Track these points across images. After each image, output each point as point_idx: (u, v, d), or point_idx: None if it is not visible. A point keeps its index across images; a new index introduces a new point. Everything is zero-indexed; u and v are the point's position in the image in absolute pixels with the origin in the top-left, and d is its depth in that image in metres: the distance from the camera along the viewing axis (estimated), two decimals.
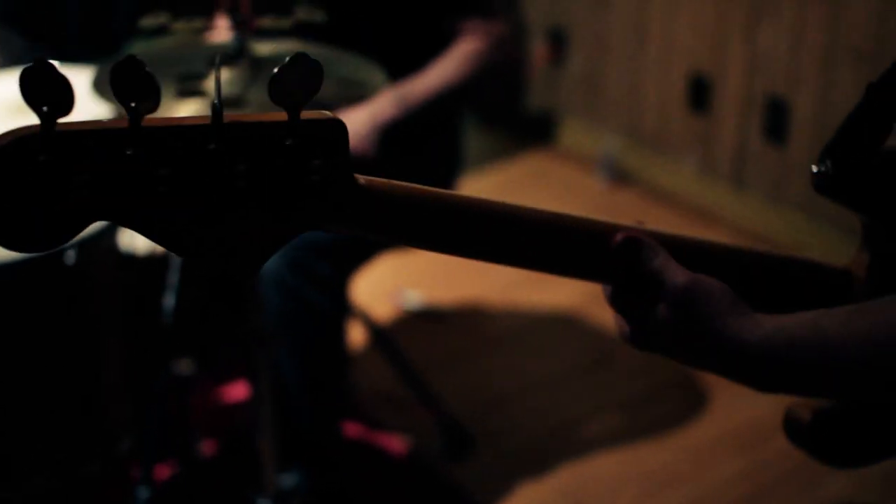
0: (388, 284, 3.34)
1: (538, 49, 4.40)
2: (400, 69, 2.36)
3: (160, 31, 1.75)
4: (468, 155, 4.33)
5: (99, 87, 1.80)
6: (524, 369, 3.04)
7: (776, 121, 3.58)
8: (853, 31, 3.28)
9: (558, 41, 4.32)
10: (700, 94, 3.81)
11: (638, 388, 2.95)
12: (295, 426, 2.37)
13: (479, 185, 4.18)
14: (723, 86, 3.73)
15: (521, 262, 1.00)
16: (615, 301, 1.00)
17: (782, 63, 3.51)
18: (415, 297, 3.31)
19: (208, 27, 1.76)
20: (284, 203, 0.83)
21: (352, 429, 2.70)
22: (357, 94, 1.82)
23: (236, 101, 1.72)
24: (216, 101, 0.79)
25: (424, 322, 3.25)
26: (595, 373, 3.01)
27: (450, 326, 3.24)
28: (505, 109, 4.61)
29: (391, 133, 2.36)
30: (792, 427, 1.08)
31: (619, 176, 4.08)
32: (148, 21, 1.77)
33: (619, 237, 0.97)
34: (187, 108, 1.72)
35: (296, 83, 0.79)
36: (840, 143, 1.05)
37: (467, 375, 3.01)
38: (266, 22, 1.79)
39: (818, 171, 1.05)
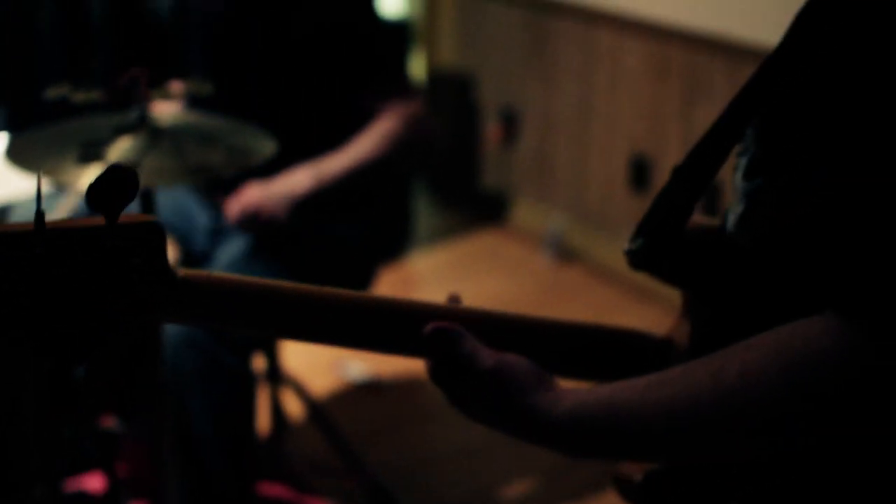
0: (331, 355, 3.42)
1: (491, 129, 4.52)
2: (310, 141, 2.47)
3: (62, 102, 1.86)
4: (422, 232, 4.45)
5: (13, 155, 1.90)
6: (455, 437, 3.11)
7: (711, 200, 3.68)
8: None
9: (510, 122, 4.44)
10: (641, 173, 3.93)
11: (561, 455, 3.01)
12: (210, 487, 2.43)
13: (429, 262, 4.29)
14: (663, 165, 3.84)
15: (347, 343, 1.07)
16: (434, 377, 1.07)
17: None
18: (357, 369, 3.39)
19: (107, 98, 1.86)
20: (106, 300, 0.90)
21: (278, 491, 2.76)
22: (245, 163, 1.91)
23: (132, 167, 1.81)
24: (39, 209, 0.86)
25: (365, 392, 3.33)
26: (520, 441, 3.07)
27: (389, 396, 3.32)
28: (459, 188, 4.72)
29: (309, 204, 2.47)
30: (623, 487, 1.14)
31: (565, 254, 4.17)
32: (52, 92, 1.89)
33: (429, 327, 1.04)
34: (88, 174, 1.82)
35: (112, 191, 0.87)
36: (650, 222, 1.11)
37: (400, 442, 3.08)
38: (160, 95, 1.90)
39: (630, 249, 1.11)
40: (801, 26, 1.00)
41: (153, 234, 0.91)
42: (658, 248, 1.11)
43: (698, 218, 1.13)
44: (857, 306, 0.84)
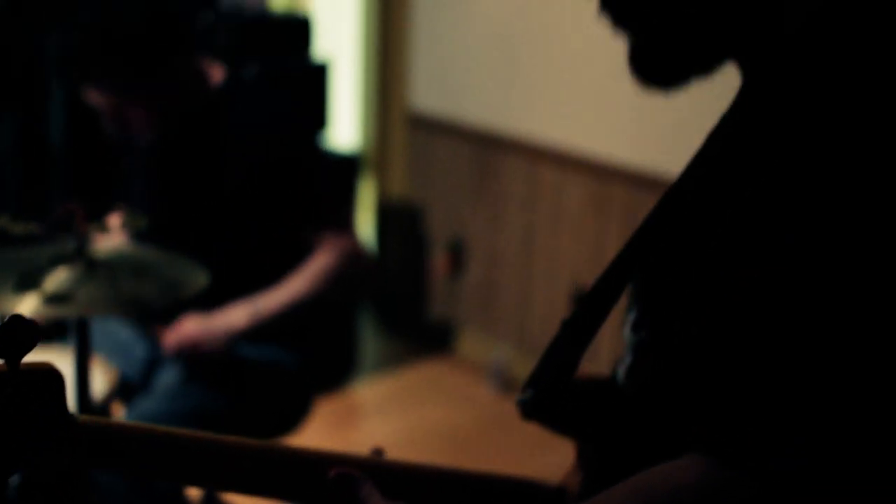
0: None
1: (438, 260, 4.60)
2: (248, 273, 2.53)
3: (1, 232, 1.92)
4: (368, 360, 4.49)
5: None
6: None
7: None
8: None
9: (458, 253, 4.52)
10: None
11: None
12: None
13: (373, 391, 4.32)
14: None
15: (254, 492, 1.09)
16: None
17: None
18: None
19: (45, 230, 1.92)
20: (6, 443, 0.93)
21: None
22: (177, 296, 1.97)
23: (66, 298, 1.87)
24: None
25: None
26: None
27: None
28: (407, 317, 4.78)
29: (248, 337, 2.52)
30: None
31: (509, 384, 4.22)
32: None
33: (332, 472, 1.08)
34: (24, 303, 1.87)
35: (13, 339, 0.91)
36: (540, 374, 1.15)
37: None
38: (96, 231, 1.96)
39: (522, 399, 1.16)
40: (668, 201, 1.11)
41: (52, 381, 0.95)
42: (548, 399, 1.15)
43: (587, 370, 1.18)
44: (718, 444, 0.88)
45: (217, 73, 2.59)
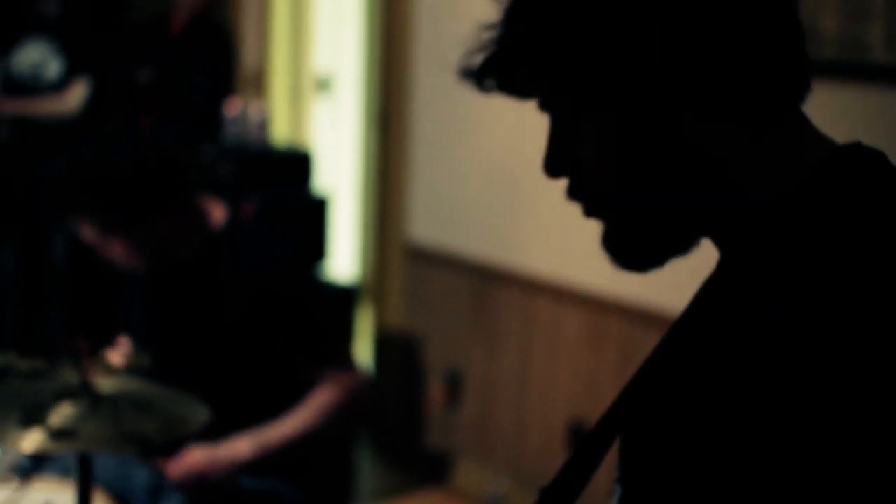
0: None
1: (435, 391, 4.62)
2: (251, 409, 2.56)
3: (4, 370, 1.96)
4: (365, 490, 4.48)
5: None
6: None
7: None
8: None
9: (454, 384, 4.54)
10: (579, 438, 4.01)
11: None
12: None
13: None
14: None
15: None
16: None
17: None
18: None
19: (50, 367, 1.96)
20: None
21: None
22: (179, 432, 2.00)
23: (70, 434, 1.90)
24: None
25: None
26: None
27: None
28: (404, 447, 4.78)
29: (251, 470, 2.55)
30: None
31: None
32: None
33: None
34: (29, 438, 1.90)
35: None
36: None
37: None
38: (99, 368, 2.00)
39: None
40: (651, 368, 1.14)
41: None
42: None
43: None
44: None
45: (218, 213, 2.65)
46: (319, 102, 5.86)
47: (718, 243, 1.11)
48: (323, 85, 5.91)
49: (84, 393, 1.99)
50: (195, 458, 2.51)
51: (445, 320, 4.60)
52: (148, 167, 2.48)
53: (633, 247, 1.11)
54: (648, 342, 3.87)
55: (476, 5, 4.22)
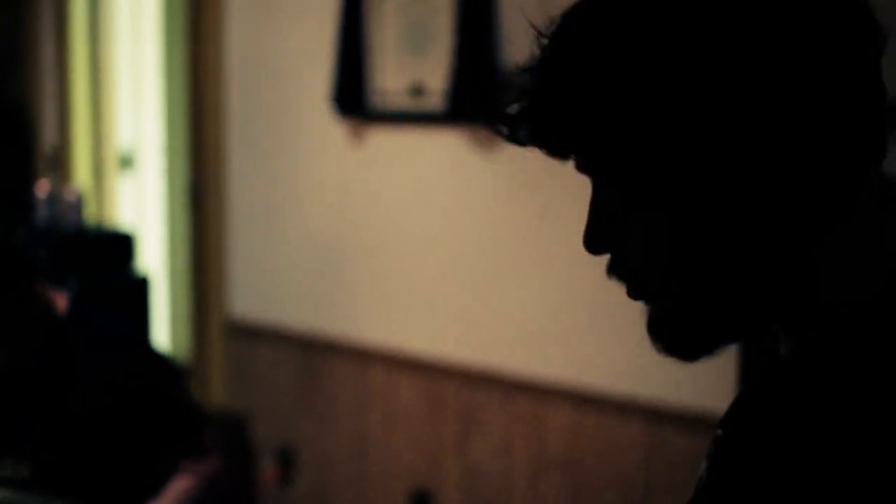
0: None
1: (267, 470, 4.48)
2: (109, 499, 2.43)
3: None
4: None
5: None
6: None
7: None
8: (554, 445, 3.52)
9: (287, 462, 4.42)
10: None
11: None
12: None
13: None
14: (443, 499, 3.88)
15: None
16: None
17: (495, 475, 3.70)
18: None
19: None
20: None
21: None
22: None
23: None
24: None
25: None
26: None
27: None
28: None
29: None
30: None
31: None
32: None
33: None
34: None
35: None
36: None
37: None
38: None
39: None
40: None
41: None
42: None
43: None
44: None
45: (60, 300, 2.51)
46: (124, 180, 5.68)
47: (781, 333, 0.99)
48: (126, 162, 5.73)
49: None
50: None
51: (273, 396, 4.48)
52: None
53: (685, 336, 0.98)
54: (487, 407, 3.89)
55: (290, 79, 4.19)
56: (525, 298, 3.58)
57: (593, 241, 0.98)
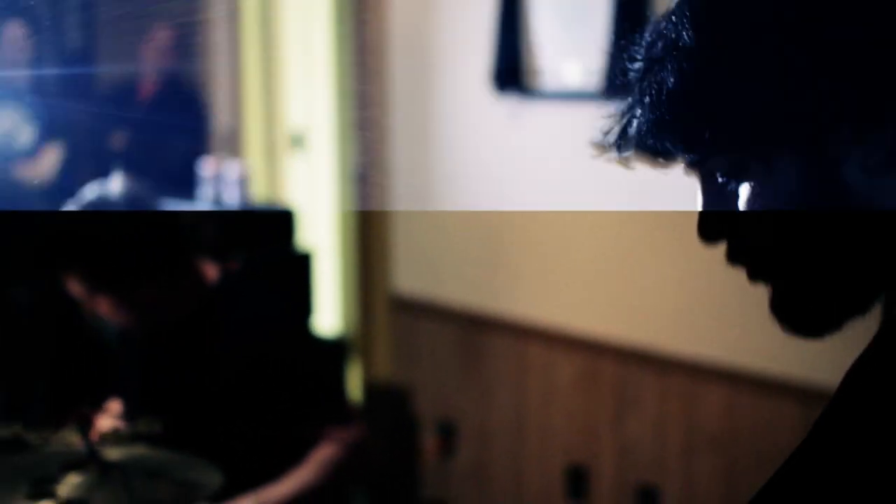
0: None
1: (428, 442, 4.58)
2: (251, 471, 2.52)
3: (13, 440, 1.92)
4: None
5: None
6: None
7: None
8: (708, 423, 3.51)
9: (447, 434, 4.50)
10: (577, 483, 3.98)
11: None
12: None
13: None
14: (598, 475, 3.90)
15: None
16: None
17: (649, 453, 3.71)
18: None
19: (55, 437, 1.92)
20: None
21: None
22: (193, 497, 1.96)
23: None
24: None
25: None
26: None
27: None
28: (398, 501, 4.73)
29: None
30: None
31: None
32: (2, 431, 1.95)
33: None
34: None
35: None
36: None
37: None
38: (109, 434, 1.96)
39: None
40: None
41: None
42: None
43: None
44: None
45: (210, 272, 2.62)
46: (294, 159, 5.84)
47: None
48: (297, 142, 5.89)
49: (92, 462, 1.95)
50: None
51: (435, 370, 4.56)
52: (140, 226, 2.46)
53: (808, 312, 1.00)
54: (642, 383, 3.89)
55: (451, 58, 4.24)
56: (682, 277, 3.56)
57: (709, 231, 1.02)
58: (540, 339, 4.07)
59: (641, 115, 0.99)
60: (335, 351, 4.13)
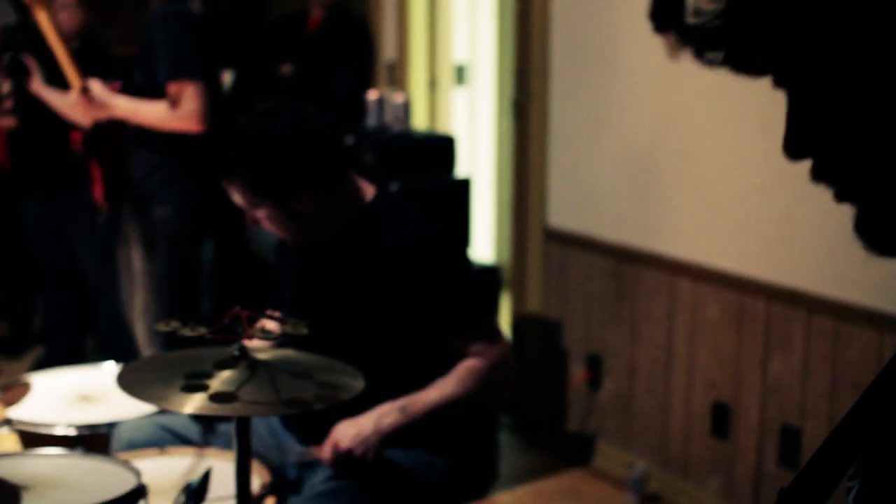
0: None
1: (576, 374, 4.65)
2: (397, 380, 2.63)
3: (171, 334, 2.06)
4: (506, 471, 4.53)
5: (124, 382, 2.09)
6: None
7: (790, 448, 3.74)
8: (853, 366, 3.50)
9: (595, 367, 4.57)
10: (722, 421, 4.00)
11: None
12: None
13: (512, 499, 4.36)
14: (742, 413, 3.92)
15: None
16: None
17: (794, 393, 3.71)
18: None
19: (212, 334, 2.05)
20: None
21: None
22: (336, 398, 2.07)
23: (230, 398, 1.99)
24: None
25: None
26: None
27: None
28: (545, 430, 4.82)
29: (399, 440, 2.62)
30: None
31: (647, 498, 4.22)
32: (162, 327, 2.09)
33: None
34: (190, 402, 1.99)
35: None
36: None
37: None
38: (259, 333, 2.08)
39: None
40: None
41: None
42: None
43: None
44: None
45: (368, 190, 2.73)
46: (456, 92, 5.94)
47: None
48: (459, 75, 5.98)
49: (243, 360, 2.08)
50: (343, 436, 2.58)
51: (585, 304, 4.62)
52: (304, 139, 2.58)
53: (893, 231, 0.99)
54: (790, 322, 3.87)
55: None
56: (831, 220, 3.54)
57: (793, 147, 1.02)
58: (689, 276, 4.10)
59: (732, 26, 0.99)
60: (487, 275, 4.22)
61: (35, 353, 5.79)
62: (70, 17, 4.51)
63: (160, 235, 4.09)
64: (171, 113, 3.88)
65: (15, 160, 5.23)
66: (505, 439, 4.78)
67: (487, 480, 4.35)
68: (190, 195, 4.09)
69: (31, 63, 4.58)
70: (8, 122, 4.77)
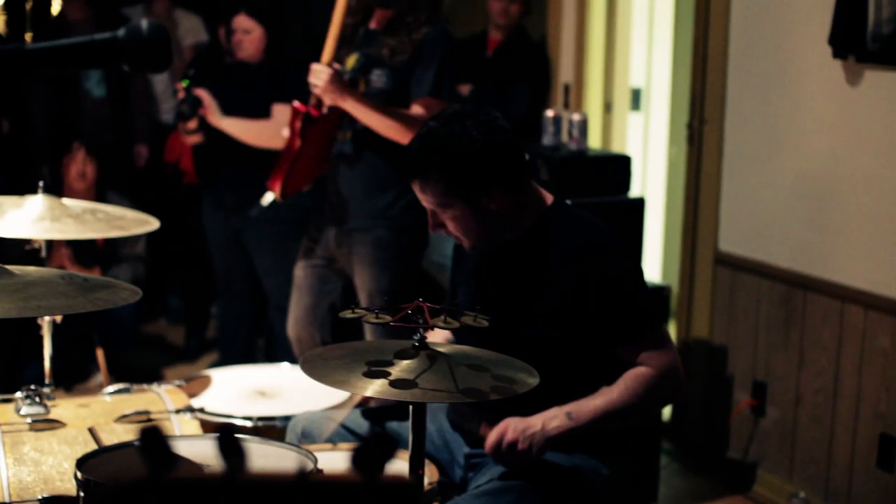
0: None
1: (740, 400, 4.64)
2: (567, 384, 2.69)
3: (357, 320, 2.18)
4: (666, 495, 4.54)
5: (308, 367, 2.21)
6: None
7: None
8: None
9: (759, 394, 4.55)
10: (888, 453, 3.95)
11: None
12: None
13: None
14: None
15: None
16: None
17: None
18: None
19: (394, 323, 2.16)
20: None
21: None
22: (510, 392, 2.15)
23: (410, 384, 2.09)
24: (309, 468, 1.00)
25: None
26: None
27: None
28: (706, 456, 4.81)
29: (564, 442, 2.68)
30: None
31: None
32: (346, 313, 2.21)
33: None
34: (371, 386, 2.10)
35: (375, 456, 0.96)
36: None
37: None
38: (439, 323, 2.17)
39: None
40: None
41: (410, 494, 0.96)
42: None
43: None
44: None
45: (548, 197, 2.82)
46: (631, 115, 5.99)
47: None
48: (635, 98, 6.03)
49: (422, 350, 2.18)
50: (509, 428, 2.65)
51: (752, 330, 4.61)
52: (497, 138, 2.67)
53: None
54: None
55: (790, 22, 4.25)
56: None
57: None
58: (860, 305, 4.06)
59: None
60: (655, 295, 4.25)
61: (210, 358, 6.03)
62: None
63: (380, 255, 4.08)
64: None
65: (202, 174, 5.48)
66: (665, 463, 4.78)
67: (646, 501, 4.37)
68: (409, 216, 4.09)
69: (205, 96, 4.78)
70: (195, 138, 4.99)
